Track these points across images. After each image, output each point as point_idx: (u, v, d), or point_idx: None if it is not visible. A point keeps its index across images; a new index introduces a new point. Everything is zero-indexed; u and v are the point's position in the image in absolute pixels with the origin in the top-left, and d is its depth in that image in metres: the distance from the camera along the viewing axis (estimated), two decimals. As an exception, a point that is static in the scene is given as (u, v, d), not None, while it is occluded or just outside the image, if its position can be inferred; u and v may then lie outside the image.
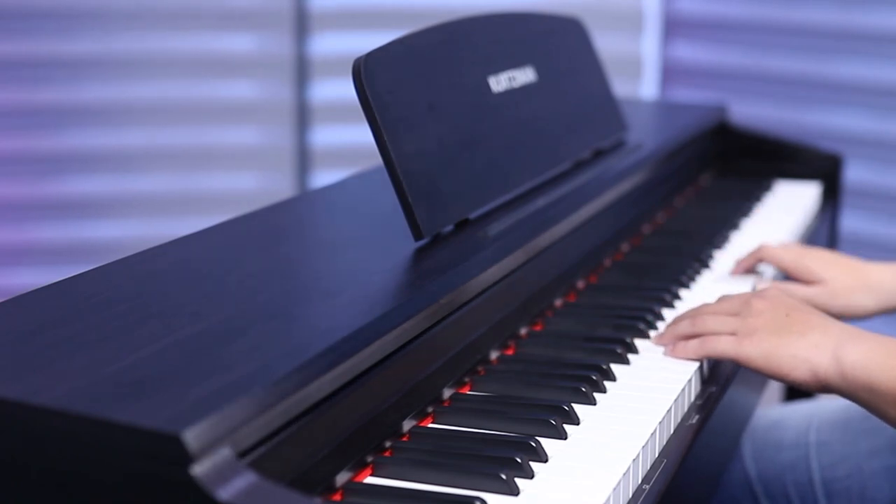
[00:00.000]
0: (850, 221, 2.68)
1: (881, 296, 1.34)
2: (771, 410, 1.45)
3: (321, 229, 1.23)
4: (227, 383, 0.77)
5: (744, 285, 1.36)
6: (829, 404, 1.40)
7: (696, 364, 1.10)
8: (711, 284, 1.36)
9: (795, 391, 1.98)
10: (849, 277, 1.34)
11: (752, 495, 1.35)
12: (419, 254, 1.08)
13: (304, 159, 2.86)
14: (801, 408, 1.41)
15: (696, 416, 1.05)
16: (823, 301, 1.32)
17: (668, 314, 1.25)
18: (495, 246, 1.11)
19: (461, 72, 1.24)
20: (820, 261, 1.36)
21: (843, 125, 2.76)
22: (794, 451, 1.33)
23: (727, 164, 1.95)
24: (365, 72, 1.09)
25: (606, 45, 2.87)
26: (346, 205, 1.30)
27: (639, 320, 1.20)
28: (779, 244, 1.42)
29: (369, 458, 0.89)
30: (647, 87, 2.99)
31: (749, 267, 1.38)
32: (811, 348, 1.04)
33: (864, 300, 1.34)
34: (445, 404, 1.00)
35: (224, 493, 0.69)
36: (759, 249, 1.38)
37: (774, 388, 2.76)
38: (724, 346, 1.08)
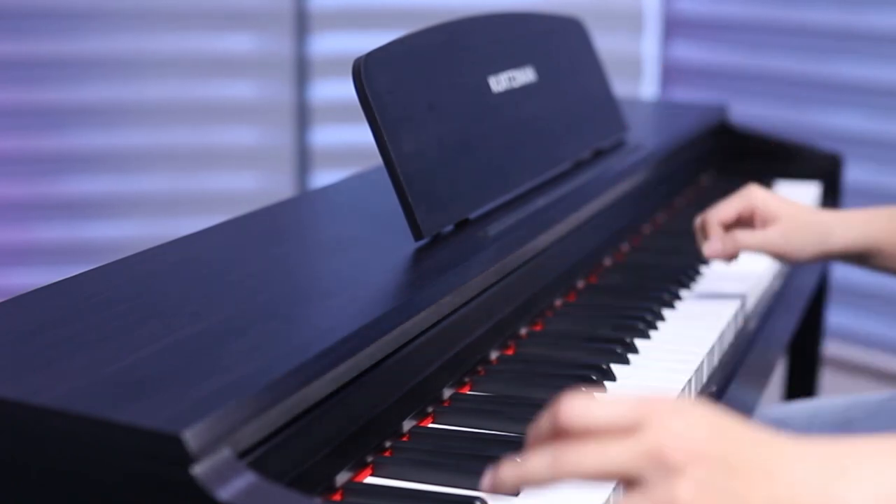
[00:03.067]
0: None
1: (832, 238, 1.28)
2: (771, 409, 1.44)
3: (321, 229, 1.23)
4: (227, 383, 0.77)
5: (743, 283, 1.36)
6: (830, 403, 1.40)
7: (696, 364, 1.10)
8: (711, 284, 1.36)
9: (797, 390, 1.98)
10: (801, 214, 1.28)
11: None
12: (419, 254, 1.08)
13: (304, 159, 2.86)
14: (803, 407, 1.41)
15: (696, 416, 1.05)
16: (777, 240, 1.26)
17: (668, 314, 1.25)
18: (495, 246, 1.11)
19: (461, 72, 1.24)
20: (769, 195, 1.29)
21: (844, 125, 2.76)
22: None
23: (727, 164, 1.95)
24: (365, 72, 1.09)
25: (606, 45, 2.88)
26: (346, 205, 1.30)
27: (639, 320, 1.20)
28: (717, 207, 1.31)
29: (369, 458, 0.89)
30: (647, 87, 2.99)
31: (716, 237, 1.28)
32: None
33: (818, 240, 1.27)
34: (445, 404, 1.00)
35: (224, 493, 0.69)
36: (706, 216, 1.30)
37: (775, 387, 2.76)
38: None
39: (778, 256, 1.28)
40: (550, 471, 0.64)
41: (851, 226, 1.28)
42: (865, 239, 1.28)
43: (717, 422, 0.64)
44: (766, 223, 1.28)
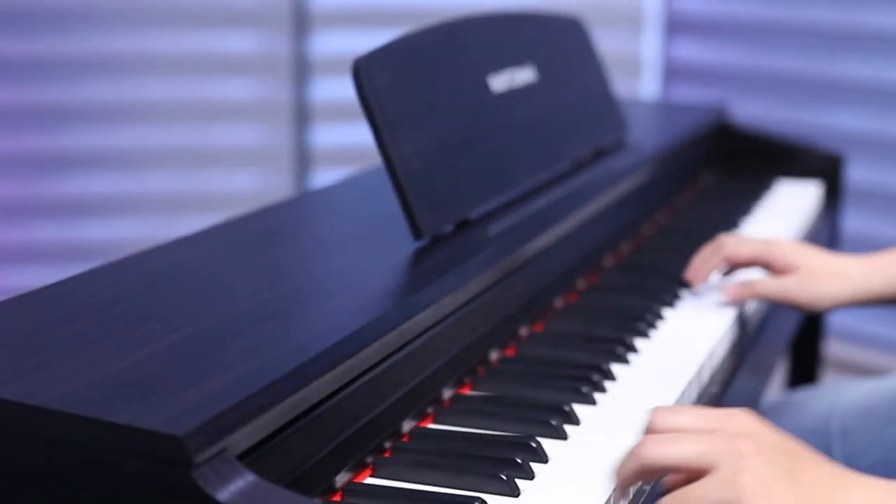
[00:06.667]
0: (853, 221, 2.68)
1: (851, 286, 1.27)
2: (795, 394, 1.43)
3: (320, 229, 1.23)
4: (226, 384, 0.77)
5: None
6: (851, 389, 1.38)
7: (698, 364, 1.10)
8: (712, 284, 1.36)
9: (799, 381, 1.98)
10: (820, 263, 1.27)
11: None
12: (419, 254, 1.08)
13: (303, 159, 2.85)
14: (823, 393, 1.40)
15: (697, 417, 1.05)
16: (795, 289, 1.25)
17: (668, 314, 1.25)
18: (495, 246, 1.11)
19: (461, 72, 1.24)
20: (790, 246, 1.29)
21: (847, 124, 2.76)
22: (816, 438, 1.31)
23: (727, 164, 1.95)
24: (365, 72, 1.09)
25: (606, 44, 2.88)
26: (345, 205, 1.30)
27: (639, 320, 1.20)
28: (737, 239, 1.30)
29: (369, 459, 0.89)
30: (649, 86, 2.99)
31: (713, 268, 1.30)
32: None
33: (837, 288, 1.26)
34: (445, 405, 1.00)
35: (223, 494, 0.69)
36: (720, 246, 1.29)
37: (777, 381, 2.76)
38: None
39: (795, 306, 1.26)
40: (636, 459, 0.76)
41: (873, 271, 1.27)
42: (887, 286, 1.27)
43: (785, 437, 0.78)
44: (783, 272, 1.27)
